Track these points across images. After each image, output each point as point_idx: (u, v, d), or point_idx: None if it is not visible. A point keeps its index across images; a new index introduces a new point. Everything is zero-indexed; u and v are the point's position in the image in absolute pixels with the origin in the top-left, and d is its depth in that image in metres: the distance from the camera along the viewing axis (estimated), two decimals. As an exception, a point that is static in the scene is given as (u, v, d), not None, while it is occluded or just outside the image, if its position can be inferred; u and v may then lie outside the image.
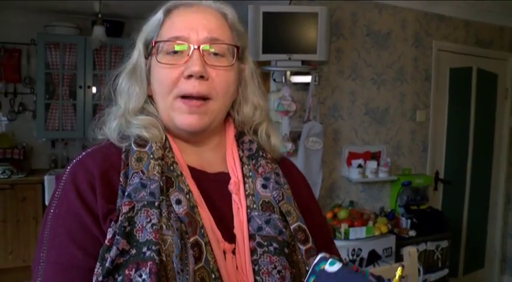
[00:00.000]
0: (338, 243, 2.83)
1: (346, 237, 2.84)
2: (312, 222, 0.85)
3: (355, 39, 3.13)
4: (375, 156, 3.21)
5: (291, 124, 2.88)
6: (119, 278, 0.66)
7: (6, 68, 4.18)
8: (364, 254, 2.87)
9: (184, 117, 0.80)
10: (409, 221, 3.17)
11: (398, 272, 0.60)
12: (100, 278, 0.65)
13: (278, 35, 2.67)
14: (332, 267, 0.63)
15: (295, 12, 2.69)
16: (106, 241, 0.68)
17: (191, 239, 0.70)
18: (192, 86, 0.78)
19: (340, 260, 0.67)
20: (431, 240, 3.17)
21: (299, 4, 2.89)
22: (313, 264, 0.66)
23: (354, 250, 2.84)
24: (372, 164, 3.10)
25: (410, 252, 2.02)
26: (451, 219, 3.48)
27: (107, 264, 0.66)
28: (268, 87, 2.99)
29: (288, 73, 2.82)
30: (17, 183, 3.86)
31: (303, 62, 2.74)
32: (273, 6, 2.73)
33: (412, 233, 3.11)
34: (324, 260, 0.65)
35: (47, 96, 4.17)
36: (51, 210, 0.74)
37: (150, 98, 0.84)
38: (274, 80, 2.95)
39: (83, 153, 0.80)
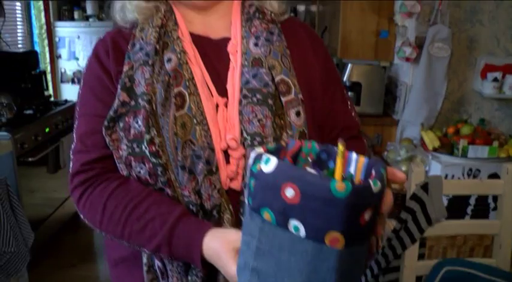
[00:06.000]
0: (453, 160, 2.65)
1: (464, 154, 2.63)
2: (311, 79, 0.91)
3: None
4: (519, 71, 2.77)
5: (418, 29, 2.65)
6: (121, 124, 0.81)
7: None
8: (483, 176, 2.64)
9: None
10: (552, 148, 2.75)
11: (340, 147, 0.59)
12: (106, 123, 0.81)
13: None
14: (268, 166, 0.56)
15: None
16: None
17: (175, 90, 0.81)
18: None
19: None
20: None
21: None
22: (249, 164, 0.59)
23: (470, 170, 2.63)
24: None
25: (509, 169, 1.82)
26: None
27: (111, 113, 0.81)
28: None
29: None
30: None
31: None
32: None
33: (554, 162, 2.72)
34: (258, 158, 0.58)
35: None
36: (81, 79, 0.91)
37: None
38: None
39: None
